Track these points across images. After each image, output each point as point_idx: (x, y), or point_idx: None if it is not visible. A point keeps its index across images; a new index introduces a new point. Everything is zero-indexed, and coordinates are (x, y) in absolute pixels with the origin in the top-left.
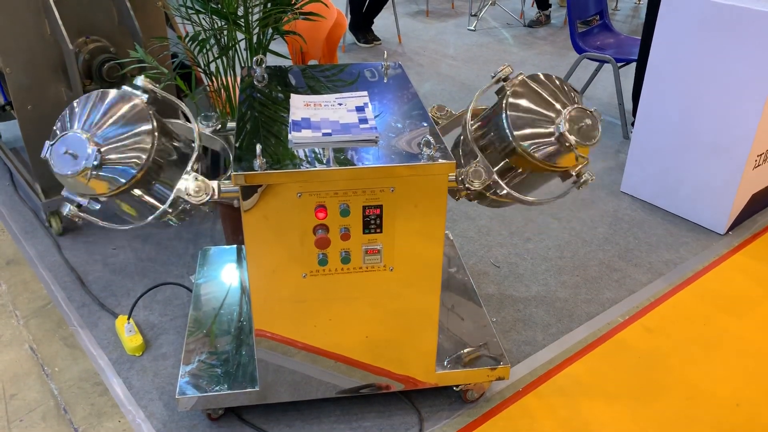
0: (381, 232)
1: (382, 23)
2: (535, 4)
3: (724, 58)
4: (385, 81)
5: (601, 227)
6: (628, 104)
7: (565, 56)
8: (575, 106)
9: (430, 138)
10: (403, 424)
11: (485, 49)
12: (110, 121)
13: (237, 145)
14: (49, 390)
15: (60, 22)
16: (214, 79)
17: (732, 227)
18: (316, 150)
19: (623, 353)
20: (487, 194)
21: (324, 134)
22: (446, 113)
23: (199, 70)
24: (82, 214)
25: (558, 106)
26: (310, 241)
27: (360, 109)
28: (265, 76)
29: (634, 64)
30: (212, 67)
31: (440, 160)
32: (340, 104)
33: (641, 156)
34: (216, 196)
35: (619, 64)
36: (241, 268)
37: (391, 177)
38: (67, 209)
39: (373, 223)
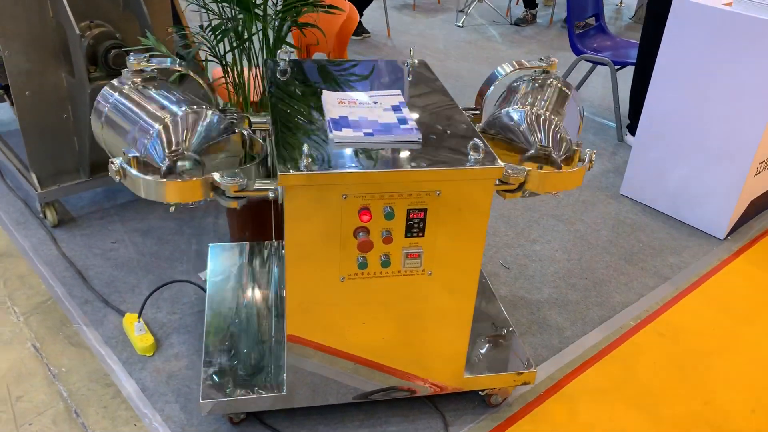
0: (423, 236)
1: (370, 15)
2: (521, 3)
3: (732, 65)
4: (411, 78)
5: (604, 230)
6: (623, 107)
7: (552, 56)
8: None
9: (478, 142)
10: (428, 429)
11: (474, 46)
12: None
13: (276, 142)
14: (57, 391)
15: (66, 4)
16: (229, 70)
17: (730, 232)
18: (359, 150)
19: (639, 358)
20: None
21: (366, 134)
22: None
23: (215, 61)
24: (132, 171)
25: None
26: (351, 244)
27: (396, 108)
28: (288, 69)
29: (626, 67)
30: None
31: (489, 165)
32: (375, 103)
33: (643, 160)
34: (250, 190)
35: (616, 67)
36: (252, 266)
37: (439, 181)
38: (120, 163)
39: (416, 226)
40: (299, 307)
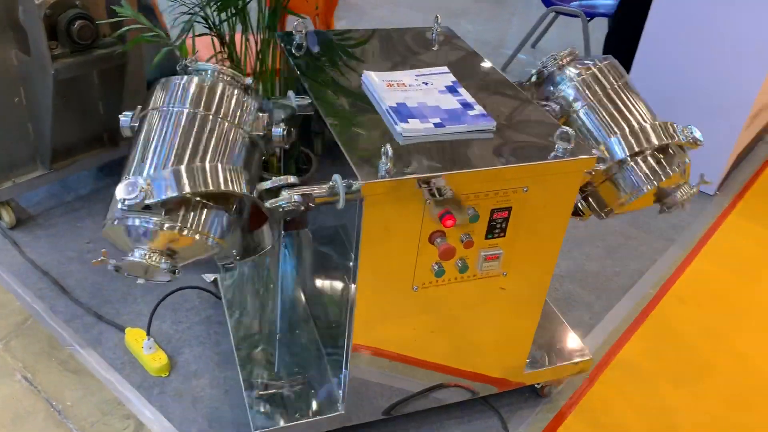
0: (504, 236)
1: None
2: None
3: (729, 17)
4: (442, 49)
5: None
6: None
7: (502, 3)
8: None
9: (568, 130)
10: (487, 429)
11: None
12: None
13: (341, 140)
14: (67, 431)
15: None
16: (227, 41)
17: (719, 187)
18: (433, 145)
19: (668, 329)
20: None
21: (436, 125)
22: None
23: (209, 33)
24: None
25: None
26: (428, 251)
27: (452, 90)
28: (304, 44)
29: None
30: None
31: (582, 156)
32: (426, 84)
33: None
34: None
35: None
36: (266, 264)
37: (528, 176)
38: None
39: (498, 227)
40: (368, 320)
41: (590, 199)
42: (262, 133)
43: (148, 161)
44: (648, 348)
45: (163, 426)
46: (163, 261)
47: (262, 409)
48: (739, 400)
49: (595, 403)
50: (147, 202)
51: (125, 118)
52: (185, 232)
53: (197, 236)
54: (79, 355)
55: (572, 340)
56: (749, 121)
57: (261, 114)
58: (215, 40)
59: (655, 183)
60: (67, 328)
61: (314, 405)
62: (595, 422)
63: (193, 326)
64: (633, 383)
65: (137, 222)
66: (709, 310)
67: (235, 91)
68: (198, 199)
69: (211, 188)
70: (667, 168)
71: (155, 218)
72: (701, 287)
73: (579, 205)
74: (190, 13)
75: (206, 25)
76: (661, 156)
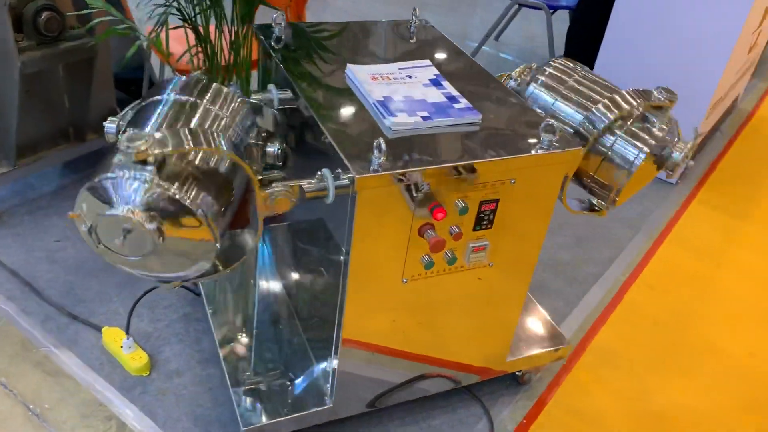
0: (491, 227)
1: None
2: None
3: (690, 11)
4: (420, 42)
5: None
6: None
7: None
8: None
9: (553, 122)
10: (471, 417)
11: None
12: None
13: (331, 134)
14: None
15: None
16: (201, 33)
17: (680, 176)
18: (422, 138)
19: (640, 315)
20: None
21: (423, 118)
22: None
23: (188, 25)
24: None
25: None
26: (418, 244)
27: (436, 83)
28: (283, 37)
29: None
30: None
31: (568, 148)
32: (410, 77)
33: None
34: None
35: (550, 11)
36: (251, 261)
37: (516, 168)
38: None
39: (486, 219)
40: (358, 314)
41: (595, 190)
42: (257, 143)
43: (147, 129)
44: (621, 333)
45: (147, 426)
46: (148, 221)
47: (249, 406)
48: (710, 381)
49: (573, 388)
50: (150, 152)
51: (111, 125)
52: (176, 194)
53: (189, 202)
54: (55, 357)
55: (550, 328)
56: (709, 111)
57: (259, 127)
58: (189, 32)
59: (646, 150)
60: (40, 329)
61: (302, 400)
62: (574, 407)
63: (171, 324)
64: (609, 368)
65: (133, 174)
66: (676, 295)
67: (237, 98)
68: (194, 173)
69: (209, 147)
70: (654, 130)
71: (150, 175)
72: (667, 273)
73: (593, 201)
74: (165, 5)
75: (180, 17)
76: (642, 124)
